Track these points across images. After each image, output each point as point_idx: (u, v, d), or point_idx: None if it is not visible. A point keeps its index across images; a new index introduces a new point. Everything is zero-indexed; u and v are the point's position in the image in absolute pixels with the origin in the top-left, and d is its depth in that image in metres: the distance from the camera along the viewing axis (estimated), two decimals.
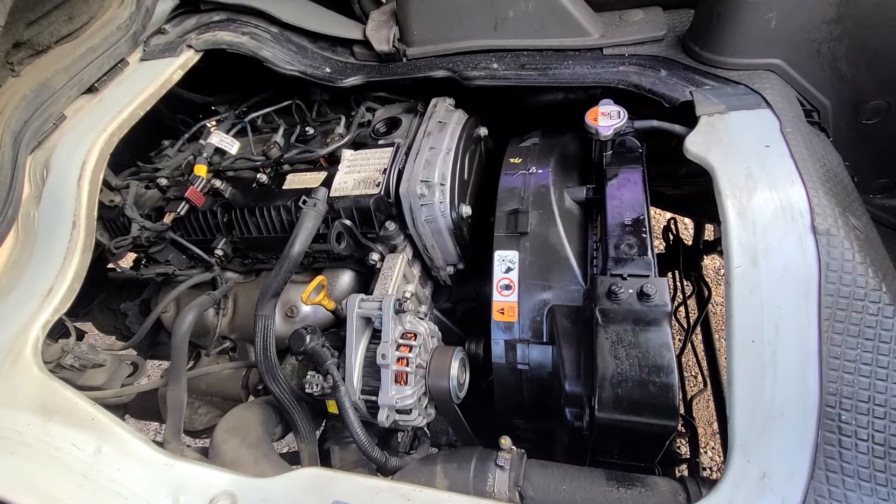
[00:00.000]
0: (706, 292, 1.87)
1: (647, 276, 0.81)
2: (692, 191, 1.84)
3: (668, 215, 2.10)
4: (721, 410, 1.65)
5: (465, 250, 1.13)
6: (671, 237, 1.98)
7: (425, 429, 1.20)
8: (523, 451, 0.85)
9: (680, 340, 1.79)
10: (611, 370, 0.75)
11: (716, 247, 1.97)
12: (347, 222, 1.03)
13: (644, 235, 0.86)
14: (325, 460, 1.14)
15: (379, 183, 1.03)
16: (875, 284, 0.66)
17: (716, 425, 2.05)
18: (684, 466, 1.40)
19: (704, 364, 1.78)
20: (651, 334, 0.76)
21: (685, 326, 1.85)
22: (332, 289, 1.19)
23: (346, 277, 1.21)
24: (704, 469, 1.93)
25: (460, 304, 1.37)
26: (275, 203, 1.11)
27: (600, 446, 0.85)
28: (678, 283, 1.94)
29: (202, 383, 1.31)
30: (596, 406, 0.75)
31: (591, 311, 0.82)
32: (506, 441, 0.86)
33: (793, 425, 0.66)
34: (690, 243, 2.02)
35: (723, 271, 2.72)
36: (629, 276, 0.81)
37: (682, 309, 1.93)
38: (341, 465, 1.10)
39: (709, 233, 2.09)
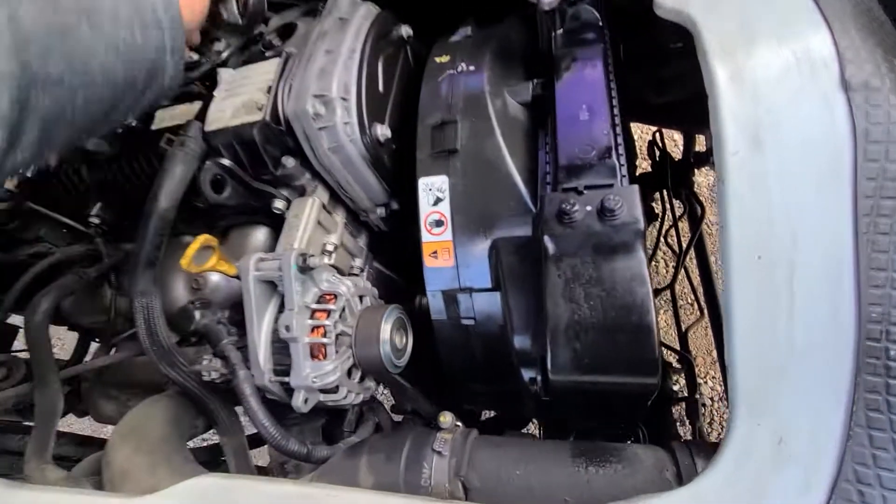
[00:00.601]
0: (699, 211, 1.66)
1: (611, 186, 0.59)
2: (680, 96, 1.58)
3: (653, 130, 1.86)
4: (720, 337, 1.49)
5: (395, 184, 0.90)
6: (657, 152, 1.74)
7: (376, 400, 1.03)
8: (470, 430, 0.67)
9: (672, 267, 1.60)
10: (565, 318, 0.54)
11: (708, 157, 1.74)
12: (226, 162, 0.79)
13: (605, 133, 0.63)
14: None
15: (262, 106, 0.78)
16: None
17: (715, 353, 1.92)
18: (683, 407, 1.25)
19: (701, 292, 1.60)
20: (618, 264, 0.55)
21: (678, 251, 1.66)
22: (243, 250, 0.98)
23: (258, 235, 0.98)
24: (704, 405, 1.80)
25: (411, 253, 1.15)
26: (144, 150, 0.87)
27: (568, 412, 0.66)
28: (668, 204, 1.72)
29: (119, 376, 1.13)
30: (549, 366, 0.56)
31: (539, 241, 0.61)
32: (446, 418, 0.67)
33: (819, 369, 0.47)
34: (680, 158, 1.79)
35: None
36: (586, 188, 0.59)
37: (674, 233, 1.74)
38: (279, 455, 0.93)
39: (700, 145, 1.85)
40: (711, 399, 1.84)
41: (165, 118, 0.88)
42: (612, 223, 0.55)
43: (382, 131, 0.81)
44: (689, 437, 1.11)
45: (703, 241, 1.73)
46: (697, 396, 1.27)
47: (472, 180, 0.72)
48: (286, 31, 0.93)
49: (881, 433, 0.44)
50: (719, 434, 1.71)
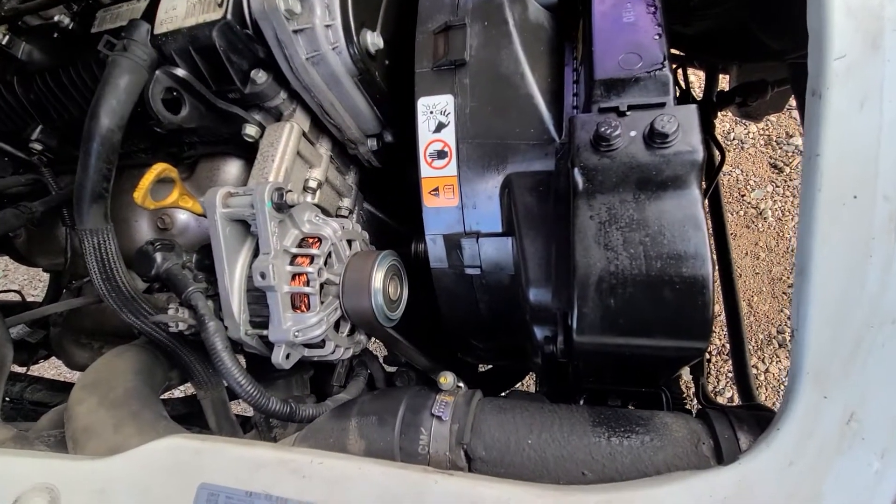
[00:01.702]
0: (718, 157, 1.54)
1: (662, 105, 0.47)
2: (706, 27, 1.41)
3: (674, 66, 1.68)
4: (727, 290, 1.42)
5: (388, 110, 0.77)
6: (677, 91, 1.59)
7: (368, 354, 0.95)
8: (474, 391, 0.59)
9: None
10: (598, 269, 0.44)
11: (733, 98, 1.59)
12: (181, 73, 0.65)
13: (656, 38, 0.50)
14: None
15: (222, 1, 0.63)
16: None
17: (718, 307, 1.87)
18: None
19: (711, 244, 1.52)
20: (668, 203, 0.44)
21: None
22: (212, 185, 0.85)
23: (230, 169, 0.86)
24: (708, 361, 1.78)
25: (408, 194, 1.03)
26: (83, 57, 0.71)
27: (584, 374, 0.58)
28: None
29: (87, 322, 1.04)
30: (574, 326, 0.46)
31: (567, 174, 0.50)
32: (447, 379, 0.59)
33: None
34: (700, 98, 1.64)
35: (733, 134, 2.35)
36: (630, 108, 0.47)
37: None
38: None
39: (723, 83, 1.69)
40: (710, 353, 1.82)
41: (107, 19, 0.72)
42: (663, 152, 0.44)
43: (373, 40, 0.67)
44: (693, 394, 1.06)
45: (718, 191, 1.62)
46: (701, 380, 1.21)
47: (483, 101, 0.59)
48: None
49: None
50: (715, 388, 1.70)
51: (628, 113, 0.47)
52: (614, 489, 0.45)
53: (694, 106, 0.45)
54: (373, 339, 0.90)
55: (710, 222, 1.59)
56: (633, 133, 0.46)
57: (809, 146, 0.39)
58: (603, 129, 0.45)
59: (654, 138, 0.44)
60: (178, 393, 1.68)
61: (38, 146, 0.82)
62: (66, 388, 1.22)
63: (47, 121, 0.81)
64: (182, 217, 0.87)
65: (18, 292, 1.34)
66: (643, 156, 0.45)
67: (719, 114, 1.69)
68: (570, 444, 0.50)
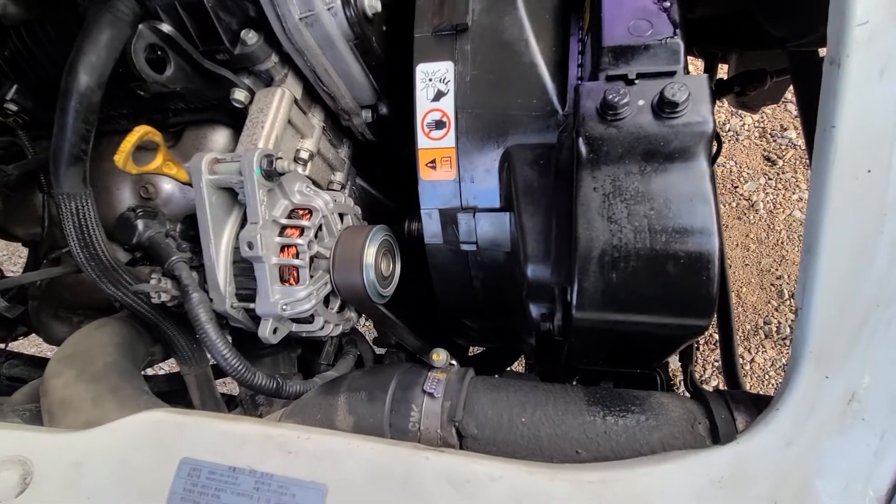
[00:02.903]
0: (715, 145, 1.54)
1: (672, 74, 0.45)
2: (710, 13, 1.39)
3: None
4: (724, 304, 1.42)
5: (385, 79, 0.74)
6: None
7: (357, 332, 0.94)
8: (467, 369, 0.57)
9: None
10: (601, 242, 0.43)
11: (731, 87, 1.58)
12: (166, 28, 0.61)
13: (668, 4, 0.47)
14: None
15: None
16: None
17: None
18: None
19: None
20: (675, 176, 0.42)
21: None
22: (199, 152, 0.82)
23: (218, 137, 0.82)
24: (697, 347, 1.79)
25: (403, 170, 1.01)
26: (62, 10, 0.67)
27: (582, 353, 0.57)
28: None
29: (65, 294, 1.00)
30: (574, 301, 0.45)
31: (570, 147, 0.48)
32: (439, 356, 0.58)
33: None
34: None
35: (729, 125, 2.34)
36: (639, 76, 0.45)
37: None
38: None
39: (722, 72, 1.68)
40: (697, 341, 1.84)
41: None
42: (671, 122, 0.42)
43: (371, 2, 0.64)
44: (681, 381, 1.06)
45: (714, 180, 1.62)
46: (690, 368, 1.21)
47: (484, 69, 0.56)
48: None
49: None
50: (702, 377, 1.72)
51: (637, 81, 0.45)
52: (609, 468, 0.44)
53: (706, 76, 0.44)
54: (362, 321, 0.88)
55: None
56: (641, 102, 0.44)
57: (825, 118, 0.38)
58: (611, 97, 0.43)
59: (663, 108, 0.42)
60: (163, 372, 1.65)
61: (13, 107, 0.77)
62: (44, 363, 1.19)
63: (23, 80, 0.77)
64: (167, 186, 0.84)
65: None
66: (651, 126, 0.43)
67: (717, 103, 1.68)
68: (564, 422, 0.49)
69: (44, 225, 0.88)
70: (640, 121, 0.43)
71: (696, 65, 2.11)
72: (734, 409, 0.47)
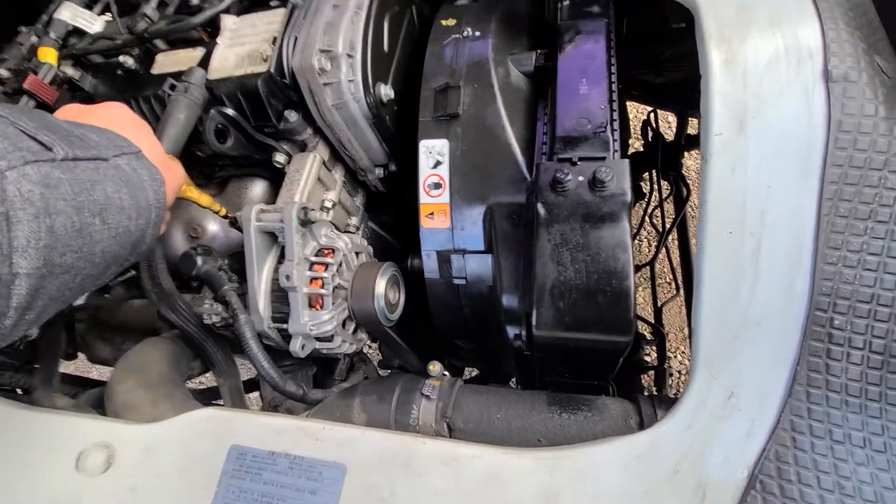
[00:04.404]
0: (685, 192, 1.72)
1: (603, 159, 0.62)
2: (678, 77, 1.60)
3: (649, 110, 1.88)
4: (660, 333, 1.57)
5: (395, 146, 0.92)
6: (650, 133, 1.77)
7: (366, 352, 1.08)
8: (457, 378, 0.72)
9: (654, 246, 1.66)
10: (551, 279, 0.59)
11: (699, 141, 1.78)
12: (230, 112, 0.80)
13: (602, 108, 0.66)
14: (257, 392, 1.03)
15: (267, 57, 0.79)
16: None
17: (687, 330, 2.02)
18: (651, 376, 1.34)
19: (679, 272, 1.68)
20: (604, 232, 0.59)
21: (660, 230, 1.72)
22: (241, 201, 0.99)
23: (256, 188, 1.00)
24: (671, 375, 1.92)
25: (408, 216, 1.18)
26: (143, 93, 0.86)
27: (545, 367, 0.72)
28: (656, 184, 1.77)
29: (115, 318, 1.16)
30: (534, 322, 0.61)
31: (533, 207, 0.65)
32: (435, 367, 0.73)
33: (772, 335, 0.53)
34: (672, 140, 1.82)
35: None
36: (580, 159, 0.62)
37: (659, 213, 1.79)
38: (272, 397, 0.99)
39: (693, 128, 1.88)
40: (679, 372, 1.96)
41: (167, 63, 0.88)
42: (601, 194, 0.59)
43: (386, 91, 0.83)
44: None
45: (686, 223, 1.79)
46: (666, 367, 1.36)
47: (471, 146, 0.75)
48: None
49: (817, 390, 0.51)
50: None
51: (578, 163, 0.62)
52: (561, 450, 0.58)
53: (626, 160, 0.61)
54: (368, 347, 1.03)
55: (678, 245, 1.75)
56: (581, 178, 0.61)
57: (702, 194, 0.55)
58: (559, 175, 0.60)
59: (595, 184, 0.59)
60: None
61: None
62: (78, 381, 1.32)
63: None
64: (212, 228, 1.01)
65: None
66: (588, 196, 0.60)
67: (687, 154, 1.87)
68: (529, 418, 0.64)
69: None
70: (580, 192, 0.61)
71: (670, 120, 2.33)
72: (657, 407, 0.61)
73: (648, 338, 1.46)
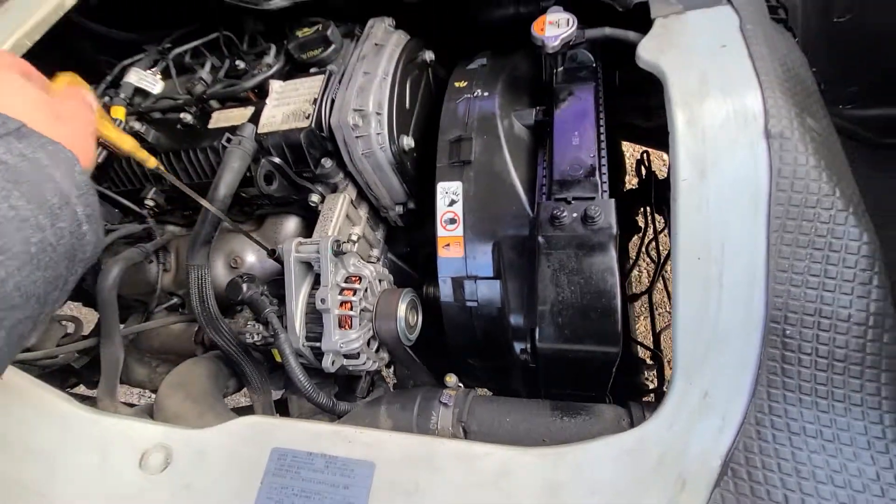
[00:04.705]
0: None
1: (593, 198, 0.75)
2: (663, 122, 1.75)
3: (642, 150, 2.03)
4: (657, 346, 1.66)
5: (413, 187, 1.06)
6: (644, 171, 1.91)
7: (383, 374, 1.18)
8: (470, 389, 0.82)
9: (650, 276, 1.76)
10: (551, 298, 0.70)
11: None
12: (276, 160, 0.94)
13: (592, 156, 0.79)
14: (284, 411, 1.12)
15: (309, 115, 0.94)
16: (828, 190, 0.61)
17: None
18: (651, 397, 1.41)
19: None
20: (595, 259, 0.71)
21: (657, 261, 1.83)
22: (277, 236, 1.13)
23: (290, 224, 1.14)
24: None
25: (422, 248, 1.31)
26: (201, 144, 1.01)
27: (549, 379, 0.82)
28: (651, 218, 1.89)
29: (155, 342, 1.27)
30: (537, 337, 0.71)
31: (535, 239, 0.77)
32: (451, 379, 0.83)
33: (736, 345, 0.63)
34: (665, 177, 1.96)
35: None
36: (574, 199, 0.75)
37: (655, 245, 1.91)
38: (299, 413, 1.08)
39: None
40: None
41: (221, 119, 1.03)
42: (592, 227, 0.71)
43: (407, 142, 0.97)
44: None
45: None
46: (665, 390, 1.43)
47: (482, 187, 0.88)
48: (325, 43, 1.07)
49: (776, 390, 0.60)
50: None
51: (572, 202, 0.75)
52: (562, 447, 0.68)
53: (612, 200, 0.73)
54: (385, 371, 1.13)
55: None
56: (574, 215, 0.73)
57: (673, 228, 0.67)
58: (556, 212, 0.73)
59: (586, 220, 0.72)
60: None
61: (150, 202, 1.10)
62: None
63: (160, 185, 1.10)
64: (249, 259, 1.14)
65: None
66: (580, 229, 0.72)
67: None
68: (535, 421, 0.74)
69: (156, 289, 1.17)
70: (574, 226, 0.73)
71: (665, 158, 2.48)
72: (646, 411, 0.71)
73: (648, 363, 1.55)
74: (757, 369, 0.61)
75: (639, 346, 1.62)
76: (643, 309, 2.23)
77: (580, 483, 0.63)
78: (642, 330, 2.27)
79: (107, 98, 1.10)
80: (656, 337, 1.68)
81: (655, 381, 1.43)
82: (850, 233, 0.60)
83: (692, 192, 0.65)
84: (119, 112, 1.06)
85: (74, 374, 1.27)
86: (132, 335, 1.27)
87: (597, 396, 0.84)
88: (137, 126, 1.05)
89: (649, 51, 0.76)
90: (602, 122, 0.85)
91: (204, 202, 0.87)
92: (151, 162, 0.85)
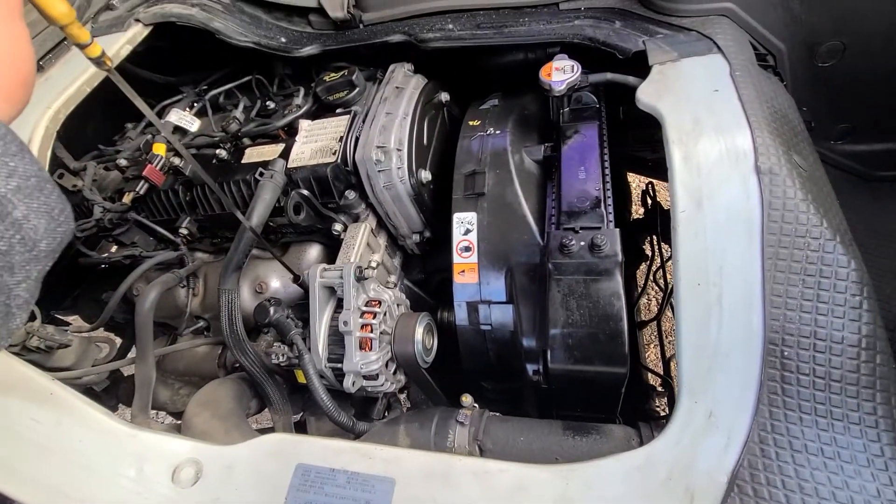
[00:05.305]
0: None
1: (599, 228, 0.80)
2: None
3: (647, 181, 2.09)
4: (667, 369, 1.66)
5: (429, 217, 1.13)
6: (649, 201, 1.97)
7: (398, 396, 1.22)
8: (485, 409, 0.86)
9: (658, 303, 1.78)
10: (562, 321, 0.75)
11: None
12: (305, 192, 1.02)
13: (597, 189, 0.85)
14: (303, 433, 1.15)
15: (335, 151, 1.02)
16: (816, 221, 0.66)
17: None
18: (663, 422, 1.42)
19: None
20: (602, 285, 0.76)
21: (664, 289, 1.86)
22: (300, 262, 1.19)
23: (313, 251, 1.20)
24: None
25: (436, 275, 1.37)
26: (234, 177, 1.10)
27: (560, 400, 0.86)
28: (657, 247, 1.94)
29: (180, 364, 1.32)
30: (549, 358, 0.76)
31: (545, 266, 0.82)
32: (467, 399, 0.87)
33: (738, 364, 0.67)
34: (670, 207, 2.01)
35: None
36: (581, 228, 0.81)
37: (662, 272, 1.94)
38: (317, 433, 1.11)
39: None
40: None
41: (254, 155, 1.12)
42: (598, 255, 0.77)
43: (425, 175, 1.04)
44: None
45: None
46: None
47: (495, 217, 0.94)
48: (350, 87, 1.16)
49: (777, 409, 0.64)
50: None
51: (580, 231, 0.81)
52: (574, 464, 0.71)
53: (617, 230, 0.79)
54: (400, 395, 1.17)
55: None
56: (582, 243, 0.79)
57: (674, 255, 0.72)
58: (565, 241, 0.79)
59: (593, 248, 0.77)
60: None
61: (184, 231, 1.18)
62: None
63: (193, 214, 1.18)
64: (273, 284, 1.20)
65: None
66: (588, 257, 0.78)
67: None
68: (548, 440, 0.77)
69: (186, 313, 1.23)
70: (582, 254, 0.78)
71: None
72: (654, 429, 0.74)
73: (659, 390, 1.56)
74: (759, 388, 0.65)
75: (649, 374, 1.63)
76: (653, 337, 2.25)
77: (592, 498, 0.65)
78: (653, 358, 2.28)
79: (149, 136, 1.20)
80: (666, 364, 1.69)
81: (666, 408, 1.44)
82: (838, 260, 0.64)
83: (690, 222, 0.71)
84: (160, 148, 1.15)
85: (94, 396, 1.32)
86: (159, 357, 1.33)
87: (607, 418, 0.87)
88: (177, 161, 1.15)
89: (648, 94, 0.84)
90: (606, 157, 0.92)
91: (242, 218, 0.94)
92: (95, 49, 0.62)
